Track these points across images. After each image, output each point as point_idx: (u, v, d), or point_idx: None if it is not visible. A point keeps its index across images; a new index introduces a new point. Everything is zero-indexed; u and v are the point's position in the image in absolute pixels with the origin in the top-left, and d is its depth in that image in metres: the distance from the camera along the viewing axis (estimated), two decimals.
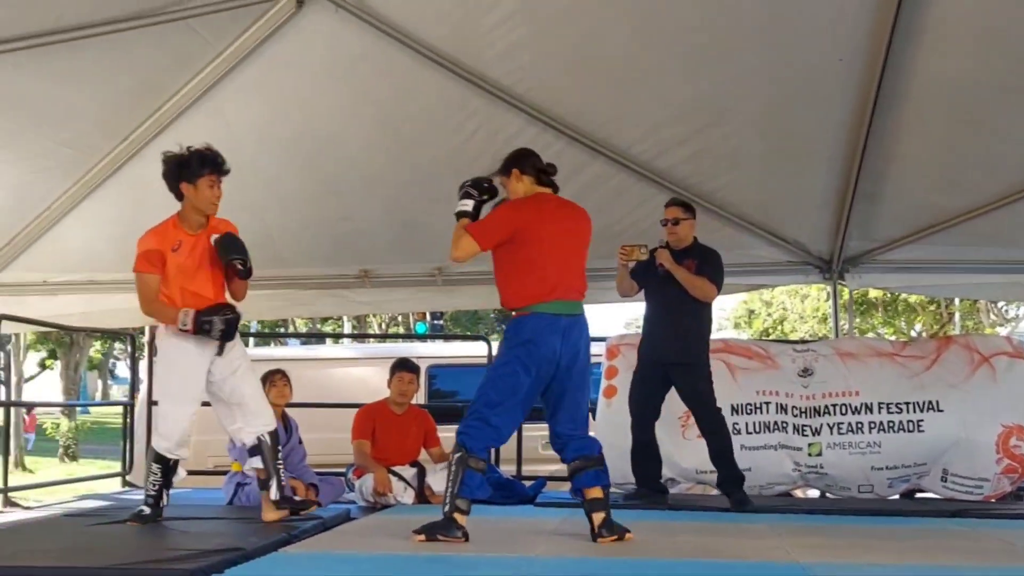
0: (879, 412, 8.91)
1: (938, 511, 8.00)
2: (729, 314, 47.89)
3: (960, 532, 7.06)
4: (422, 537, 5.99)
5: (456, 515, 6.03)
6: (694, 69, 8.29)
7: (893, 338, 24.91)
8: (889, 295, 31.62)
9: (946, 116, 8.52)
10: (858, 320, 33.02)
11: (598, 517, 6.17)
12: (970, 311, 34.88)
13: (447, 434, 9.18)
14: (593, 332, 6.46)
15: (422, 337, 20.82)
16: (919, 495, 9.20)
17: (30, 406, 33.80)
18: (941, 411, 8.85)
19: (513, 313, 6.35)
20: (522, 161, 6.53)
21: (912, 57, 7.88)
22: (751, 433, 8.96)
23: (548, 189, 6.49)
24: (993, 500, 8.80)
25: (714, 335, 8.44)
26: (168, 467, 6.77)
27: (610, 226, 9.18)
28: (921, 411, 8.90)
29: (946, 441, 8.81)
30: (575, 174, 9.10)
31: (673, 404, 8.99)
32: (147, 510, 6.71)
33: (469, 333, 33.34)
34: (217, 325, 6.54)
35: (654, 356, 8.32)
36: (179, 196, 6.68)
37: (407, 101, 8.82)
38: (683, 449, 9.00)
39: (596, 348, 8.29)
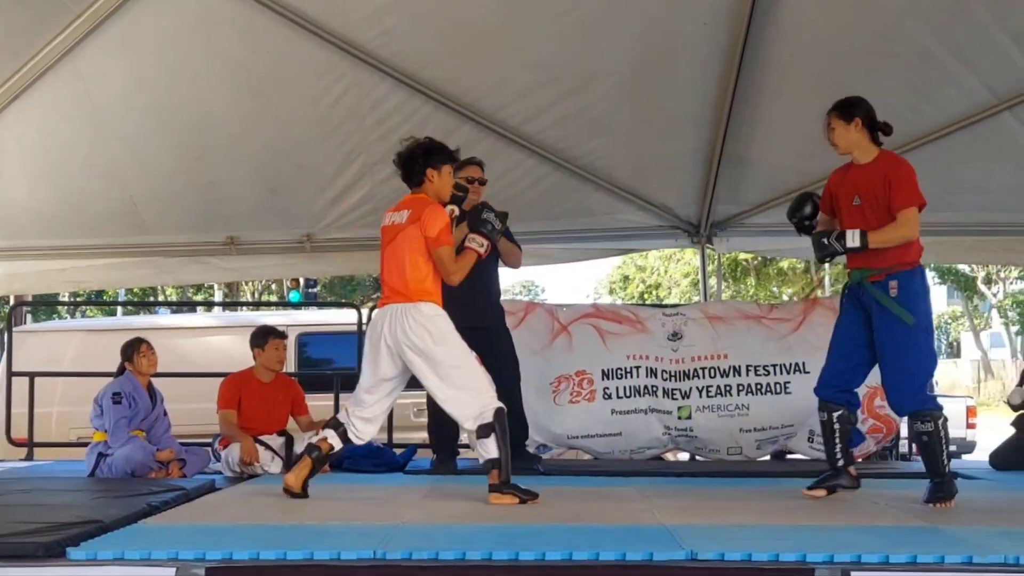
0: (747, 375, 9.01)
1: (805, 472, 8.09)
2: (603, 279, 48.30)
3: None
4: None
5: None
6: (561, 34, 8.27)
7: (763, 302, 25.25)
8: (762, 260, 32.10)
9: (810, 80, 8.61)
10: (732, 285, 33.48)
11: None
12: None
13: (318, 403, 9.16)
14: None
15: (296, 305, 20.56)
16: (788, 456, 9.31)
17: None
18: (807, 373, 8.93)
19: (897, 268, 6.35)
20: (863, 111, 6.48)
21: (775, 21, 7.97)
22: (621, 398, 9.00)
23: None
24: (859, 460, 8.94)
25: (588, 300, 8.47)
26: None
27: None
28: (788, 373, 9.02)
29: (812, 402, 8.78)
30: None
31: (545, 371, 9.03)
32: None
33: (343, 301, 33.11)
34: (494, 221, 6.78)
35: (461, 322, 8.21)
36: (417, 181, 6.69)
37: (273, 65, 8.67)
38: (554, 415, 9.03)
39: None
